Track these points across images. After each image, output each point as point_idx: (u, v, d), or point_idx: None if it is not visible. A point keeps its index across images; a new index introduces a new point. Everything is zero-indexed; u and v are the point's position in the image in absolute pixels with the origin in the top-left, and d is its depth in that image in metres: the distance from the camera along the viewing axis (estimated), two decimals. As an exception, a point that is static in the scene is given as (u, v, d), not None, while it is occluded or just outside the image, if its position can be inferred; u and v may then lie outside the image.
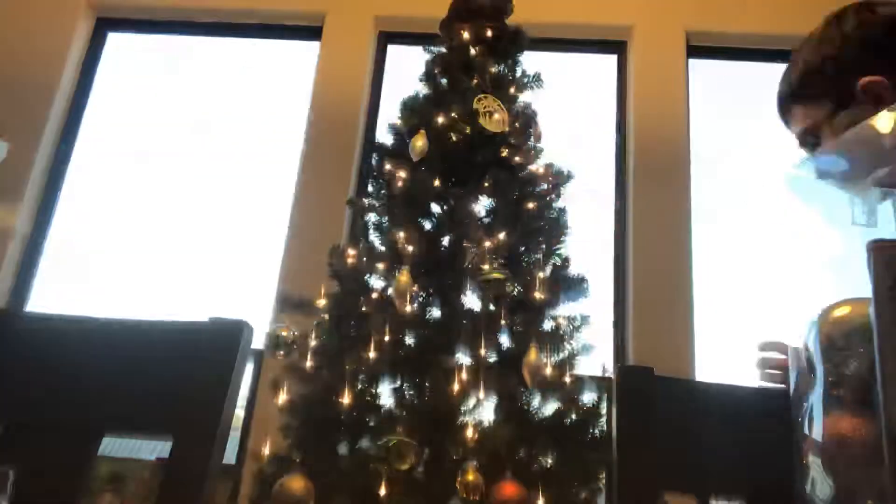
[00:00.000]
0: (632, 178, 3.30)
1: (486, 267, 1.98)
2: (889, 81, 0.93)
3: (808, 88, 1.04)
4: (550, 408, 1.97)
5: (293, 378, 2.01)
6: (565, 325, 2.05)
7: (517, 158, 2.27)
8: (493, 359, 1.99)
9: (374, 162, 2.38)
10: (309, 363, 1.99)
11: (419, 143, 2.16)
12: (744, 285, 3.23)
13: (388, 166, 2.25)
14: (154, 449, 2.89)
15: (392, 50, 3.67)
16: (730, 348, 3.08)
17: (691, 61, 3.51)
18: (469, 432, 1.81)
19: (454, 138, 2.21)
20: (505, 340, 2.08)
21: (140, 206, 3.52)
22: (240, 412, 2.85)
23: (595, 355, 2.10)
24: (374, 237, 2.24)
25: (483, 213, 2.25)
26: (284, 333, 1.95)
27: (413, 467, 1.76)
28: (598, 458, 1.87)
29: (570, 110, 3.43)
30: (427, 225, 2.24)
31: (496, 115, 2.24)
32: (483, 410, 1.92)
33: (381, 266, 2.12)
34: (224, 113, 3.65)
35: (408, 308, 1.97)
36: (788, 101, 1.10)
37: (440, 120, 2.22)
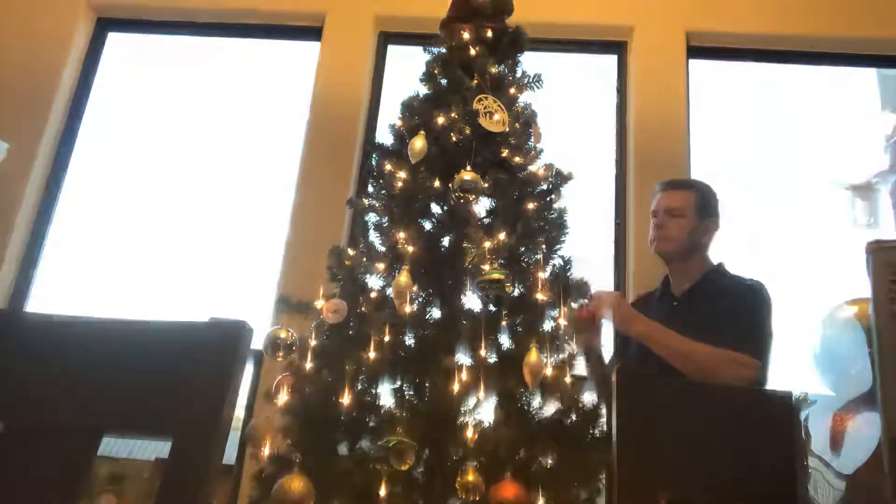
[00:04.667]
0: (632, 178, 3.30)
1: (487, 267, 1.98)
2: None
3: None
4: (550, 408, 1.97)
5: (293, 379, 2.01)
6: (565, 325, 2.05)
7: (517, 159, 2.27)
8: (493, 359, 1.99)
9: (374, 162, 2.37)
10: (309, 364, 1.99)
11: (418, 144, 2.16)
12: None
13: (388, 166, 2.24)
14: (154, 449, 2.89)
15: (392, 50, 3.67)
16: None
17: (691, 61, 3.51)
18: (469, 432, 1.81)
19: (454, 138, 2.21)
20: (505, 341, 2.08)
21: (140, 205, 3.52)
22: (240, 412, 2.85)
23: (595, 355, 2.10)
24: (374, 237, 2.24)
25: (483, 214, 2.25)
26: (283, 335, 1.94)
27: (413, 467, 1.76)
28: (598, 459, 1.86)
29: (570, 110, 3.43)
30: (427, 225, 2.24)
31: (496, 116, 2.23)
32: (483, 411, 1.92)
33: (380, 266, 2.12)
34: (224, 113, 3.65)
35: (408, 308, 1.97)
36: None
37: (440, 120, 2.22)
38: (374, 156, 2.40)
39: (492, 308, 2.06)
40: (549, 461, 1.88)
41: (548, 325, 2.07)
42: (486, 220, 2.22)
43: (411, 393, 1.98)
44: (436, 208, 2.27)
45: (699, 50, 3.54)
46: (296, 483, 1.61)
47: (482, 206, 2.25)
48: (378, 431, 1.86)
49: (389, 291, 2.05)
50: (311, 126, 3.42)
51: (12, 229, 3.27)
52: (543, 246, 2.17)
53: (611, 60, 3.62)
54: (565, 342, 2.02)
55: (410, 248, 2.05)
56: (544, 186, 2.29)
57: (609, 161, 3.44)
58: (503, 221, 2.15)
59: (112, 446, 2.96)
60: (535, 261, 2.15)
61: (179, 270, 3.35)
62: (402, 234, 2.07)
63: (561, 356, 2.01)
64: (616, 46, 3.61)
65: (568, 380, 1.96)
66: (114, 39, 3.79)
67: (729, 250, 3.28)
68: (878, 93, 3.76)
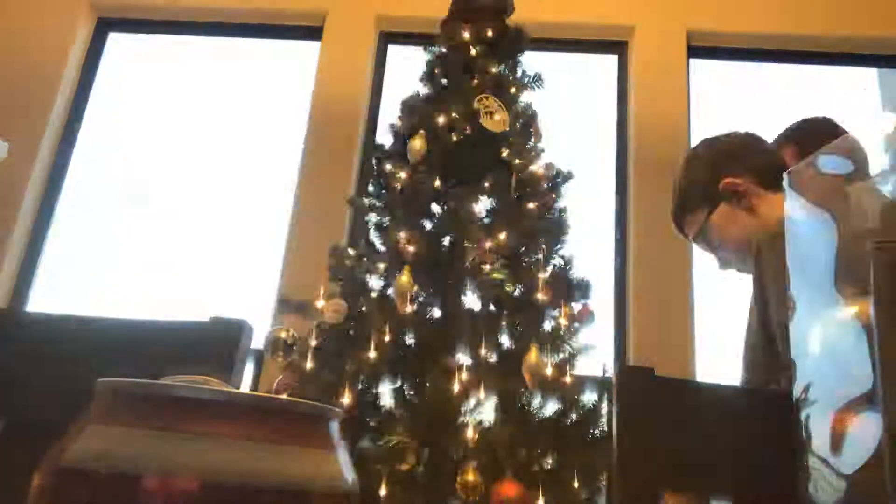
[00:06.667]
0: (632, 178, 3.30)
1: (487, 267, 1.98)
2: (741, 179, 1.34)
3: (689, 202, 1.43)
4: (550, 408, 1.97)
5: (293, 379, 2.00)
6: (566, 325, 2.05)
7: (517, 159, 2.27)
8: (493, 359, 1.99)
9: (374, 162, 2.37)
10: (309, 364, 1.99)
11: (417, 144, 2.16)
12: (744, 285, 3.23)
13: (388, 166, 2.25)
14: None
15: (392, 50, 3.67)
16: (730, 348, 3.08)
17: (692, 61, 3.51)
18: (469, 432, 1.81)
19: (454, 138, 2.21)
20: (505, 340, 2.08)
21: (140, 205, 3.52)
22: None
23: (595, 355, 2.10)
24: (374, 237, 2.24)
25: (483, 213, 2.25)
26: (283, 335, 1.94)
27: (413, 467, 1.76)
28: (598, 459, 1.86)
29: (570, 110, 3.43)
30: (427, 225, 2.24)
31: (497, 115, 2.23)
32: (483, 410, 1.92)
33: (381, 266, 2.12)
34: (224, 113, 3.65)
35: (408, 308, 1.97)
36: (679, 216, 1.47)
37: (440, 120, 2.22)
38: (374, 155, 2.40)
39: (492, 308, 2.06)
40: (550, 461, 1.88)
41: (548, 325, 2.07)
42: (487, 220, 2.22)
43: (411, 393, 1.98)
44: (436, 208, 2.27)
45: (700, 49, 3.54)
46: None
47: (482, 205, 2.25)
48: (378, 431, 1.86)
49: (390, 291, 2.05)
50: (312, 126, 3.42)
51: (13, 229, 3.27)
52: (544, 246, 2.17)
53: (611, 60, 3.62)
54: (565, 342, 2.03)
55: (411, 248, 2.05)
56: (544, 186, 2.29)
57: (609, 161, 3.44)
58: (503, 221, 2.15)
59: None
60: (535, 260, 2.15)
61: (180, 270, 3.35)
62: (402, 234, 2.07)
63: (561, 356, 2.01)
64: (616, 46, 3.61)
65: (568, 380, 1.96)
66: (114, 39, 3.79)
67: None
68: (878, 93, 3.76)
